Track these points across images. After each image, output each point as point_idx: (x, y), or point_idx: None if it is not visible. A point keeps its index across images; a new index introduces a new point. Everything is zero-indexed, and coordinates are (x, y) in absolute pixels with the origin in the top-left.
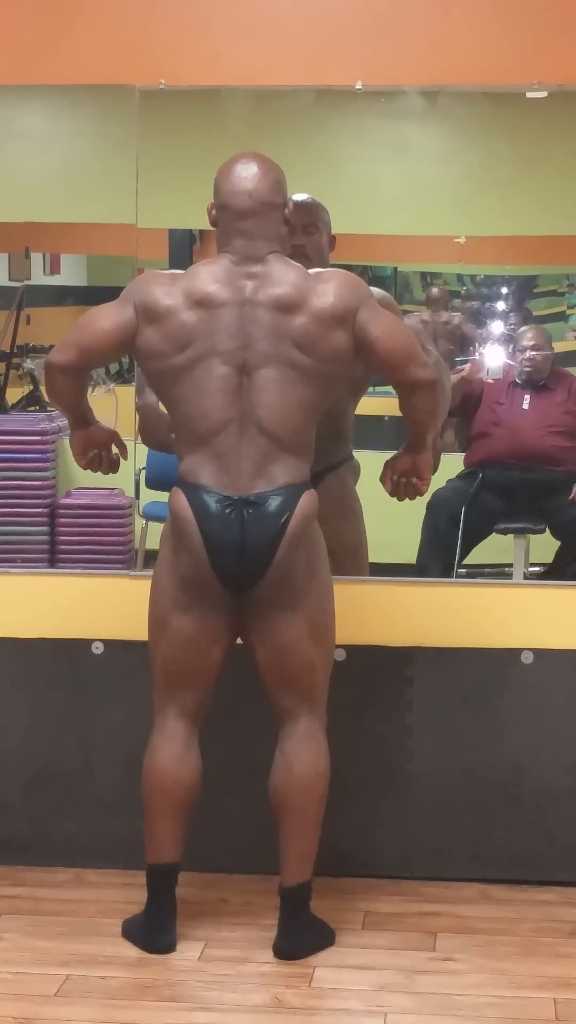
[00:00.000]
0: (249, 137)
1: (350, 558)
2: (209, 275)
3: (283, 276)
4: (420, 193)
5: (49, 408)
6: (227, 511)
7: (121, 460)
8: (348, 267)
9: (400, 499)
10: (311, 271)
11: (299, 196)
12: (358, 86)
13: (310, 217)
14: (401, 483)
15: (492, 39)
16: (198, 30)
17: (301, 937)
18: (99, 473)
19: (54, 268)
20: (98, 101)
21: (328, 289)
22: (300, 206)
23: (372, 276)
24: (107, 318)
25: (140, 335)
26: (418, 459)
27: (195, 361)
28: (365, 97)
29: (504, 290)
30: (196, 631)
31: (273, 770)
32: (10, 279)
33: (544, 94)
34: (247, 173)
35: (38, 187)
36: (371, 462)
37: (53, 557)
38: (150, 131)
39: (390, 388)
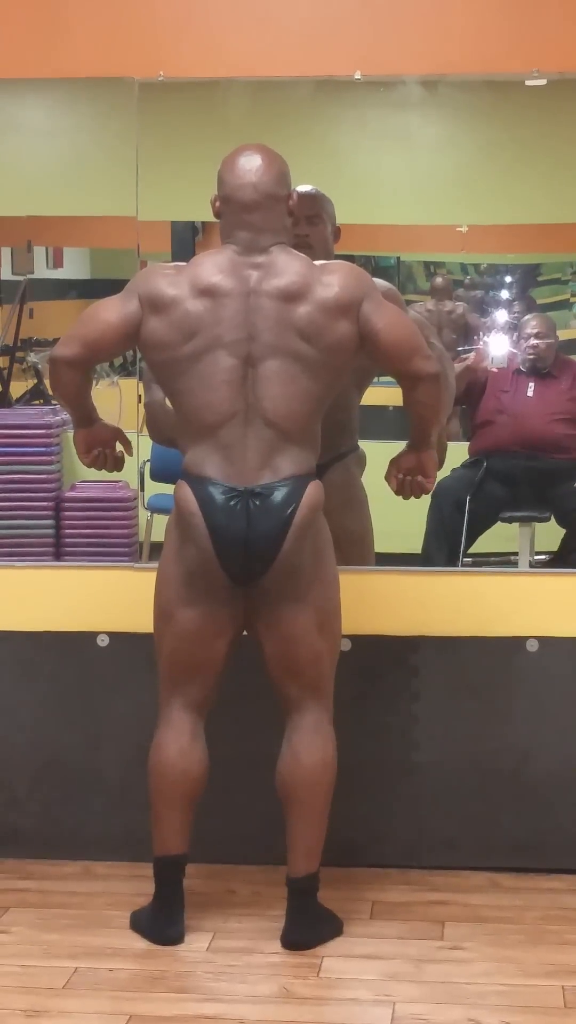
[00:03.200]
0: (249, 128)
1: (356, 548)
2: (214, 265)
3: (287, 266)
4: (421, 182)
5: (53, 402)
6: (232, 503)
7: (125, 456)
8: (351, 257)
9: (406, 497)
10: (316, 262)
11: (304, 187)
12: (357, 76)
13: (314, 208)
14: (407, 481)
15: (491, 27)
16: (196, 22)
17: (309, 928)
18: (103, 470)
19: (57, 262)
20: (97, 94)
21: (333, 280)
22: (304, 197)
23: (375, 266)
24: (112, 311)
25: (145, 326)
26: (423, 456)
27: (200, 352)
28: (364, 87)
29: (507, 278)
30: (201, 623)
31: (280, 761)
32: (13, 273)
33: (543, 82)
34: (251, 165)
35: (39, 181)
36: (377, 453)
37: (58, 550)
38: (150, 123)
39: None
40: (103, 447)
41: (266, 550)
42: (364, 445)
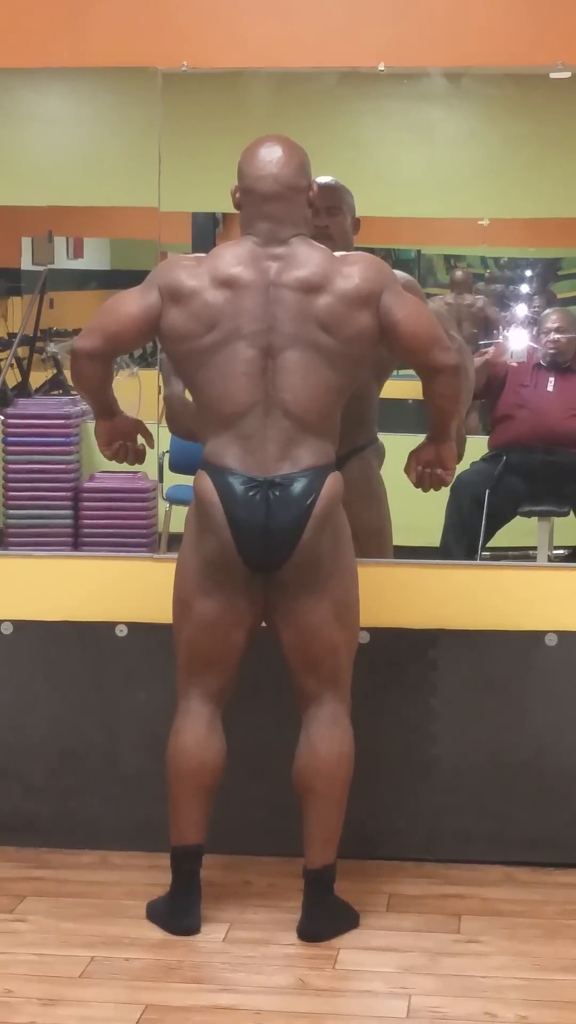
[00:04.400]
0: (271, 119)
1: (374, 541)
2: (234, 256)
3: (308, 258)
4: (443, 175)
5: (73, 392)
6: (252, 493)
7: (147, 448)
8: (371, 250)
9: (425, 490)
10: (336, 254)
11: (323, 178)
12: (381, 68)
13: (334, 199)
14: (426, 474)
15: (515, 19)
16: (220, 12)
17: (325, 919)
18: (124, 463)
19: (77, 252)
20: (120, 84)
21: (353, 271)
22: (324, 188)
23: (396, 259)
24: (132, 302)
25: (165, 317)
26: (442, 449)
27: (221, 343)
28: (388, 79)
29: (528, 273)
30: (220, 614)
31: (298, 753)
32: (33, 263)
33: (568, 75)
34: (272, 157)
35: (61, 171)
36: (396, 445)
37: (77, 540)
38: (172, 114)
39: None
40: (124, 440)
41: (285, 540)
42: (383, 438)
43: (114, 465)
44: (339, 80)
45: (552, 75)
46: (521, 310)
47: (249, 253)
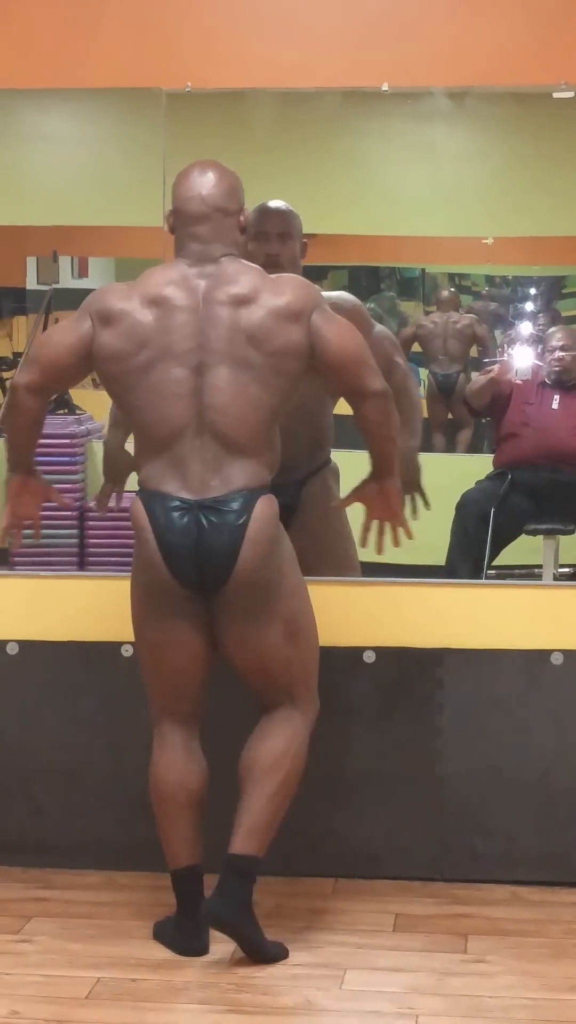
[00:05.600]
0: (275, 139)
1: (338, 558)
2: (164, 277)
3: (238, 274)
4: (447, 194)
5: (78, 411)
6: (183, 516)
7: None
8: (376, 269)
9: (379, 551)
10: (270, 275)
11: (274, 203)
12: (384, 88)
13: (284, 225)
14: (374, 527)
15: (518, 40)
16: (224, 33)
17: (234, 910)
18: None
19: (82, 271)
20: (125, 104)
21: (284, 288)
22: (276, 213)
23: (401, 278)
24: (65, 332)
25: (97, 340)
26: (385, 485)
27: (152, 363)
28: (392, 99)
29: (532, 291)
30: (168, 638)
31: (246, 745)
32: (38, 283)
33: (571, 94)
34: (201, 179)
35: (66, 191)
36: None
37: (83, 560)
38: (177, 134)
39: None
40: (32, 502)
41: (219, 563)
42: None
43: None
44: (343, 100)
45: (555, 95)
46: (523, 327)
47: (179, 273)
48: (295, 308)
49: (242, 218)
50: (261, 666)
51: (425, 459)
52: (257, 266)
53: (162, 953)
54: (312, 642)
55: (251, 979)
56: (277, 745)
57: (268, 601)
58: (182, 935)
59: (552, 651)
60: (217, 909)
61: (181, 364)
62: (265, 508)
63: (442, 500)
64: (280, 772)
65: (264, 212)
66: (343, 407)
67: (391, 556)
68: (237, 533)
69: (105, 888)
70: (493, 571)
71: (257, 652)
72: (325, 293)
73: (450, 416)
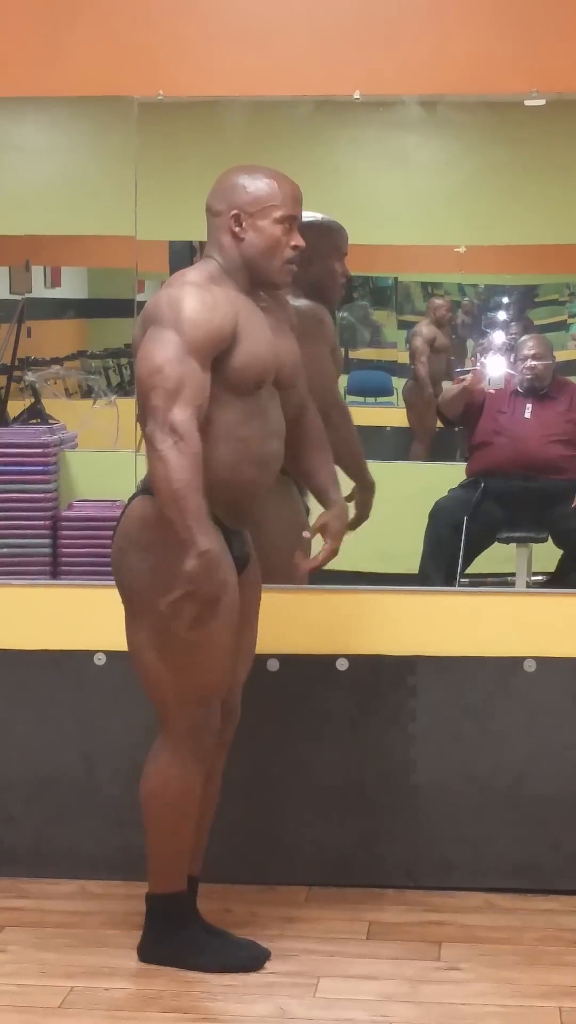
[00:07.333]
0: (248, 147)
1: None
2: None
3: (177, 273)
4: (420, 202)
5: (51, 421)
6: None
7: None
8: (349, 278)
9: None
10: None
11: (331, 219)
12: (356, 96)
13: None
14: None
15: (490, 48)
16: (196, 41)
17: (145, 938)
18: None
19: (55, 281)
20: (97, 113)
21: (158, 296)
22: (344, 232)
23: (374, 286)
24: None
25: None
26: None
27: None
28: (363, 107)
29: (505, 299)
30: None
31: None
32: (11, 292)
33: (543, 102)
34: None
35: (38, 200)
36: (375, 473)
37: (55, 569)
38: (149, 143)
39: (391, 399)
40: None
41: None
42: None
43: (92, 493)
44: (315, 108)
45: (527, 102)
46: (496, 336)
47: None
48: (145, 317)
49: (230, 220)
50: (134, 667)
51: (398, 468)
52: (195, 270)
53: (135, 962)
54: (188, 671)
55: (224, 987)
56: (145, 785)
57: (127, 597)
58: (236, 947)
59: (525, 658)
60: (140, 944)
61: None
62: (134, 506)
63: (415, 508)
64: (150, 815)
65: (339, 231)
66: (366, 418)
67: (364, 564)
68: (116, 530)
69: (78, 897)
70: (466, 579)
71: (130, 649)
72: (297, 301)
73: None
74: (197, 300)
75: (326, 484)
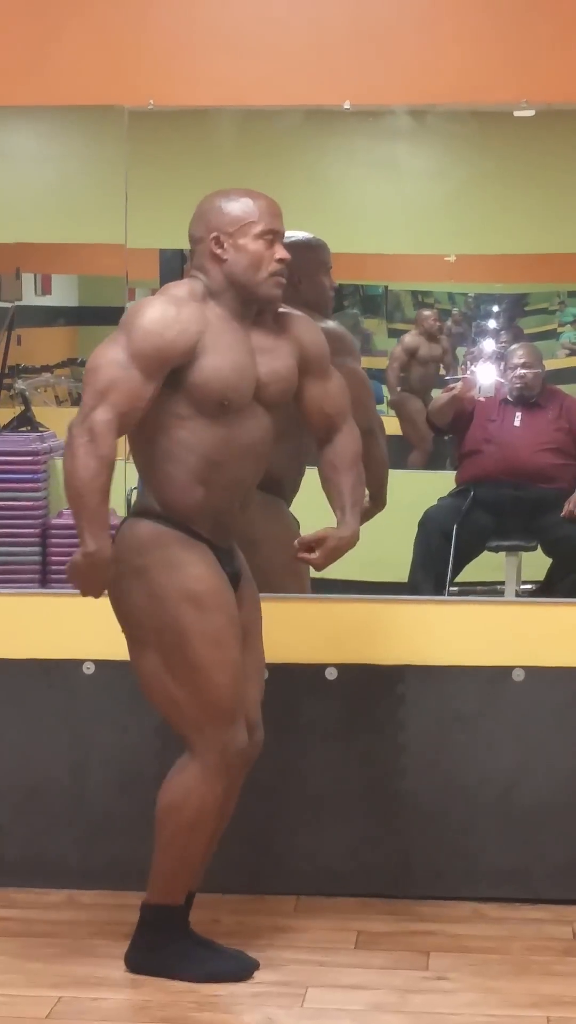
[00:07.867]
0: (238, 157)
1: (288, 580)
2: None
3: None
4: (410, 211)
5: (41, 429)
6: None
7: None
8: (338, 286)
9: None
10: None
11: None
12: (346, 105)
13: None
14: None
15: (479, 58)
16: (186, 51)
17: (135, 948)
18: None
19: (45, 289)
20: (87, 122)
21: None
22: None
23: (363, 295)
24: None
25: None
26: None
27: None
28: (353, 116)
29: (495, 308)
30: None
31: None
32: (1, 299)
33: (532, 112)
34: None
35: (28, 208)
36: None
37: (45, 577)
38: (139, 151)
39: (382, 407)
40: None
41: None
42: None
43: None
44: (305, 118)
45: (516, 113)
46: (485, 344)
47: None
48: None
49: (211, 244)
50: (146, 694)
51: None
52: (182, 284)
53: (122, 973)
54: (202, 688)
55: (213, 997)
56: (164, 796)
57: (127, 625)
58: (228, 958)
59: (514, 667)
60: (127, 954)
61: None
62: (124, 531)
63: (405, 517)
64: (165, 824)
65: (322, 245)
66: None
67: (353, 573)
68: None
69: (66, 907)
70: (456, 588)
71: (139, 677)
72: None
73: None
74: (158, 312)
75: (343, 504)
